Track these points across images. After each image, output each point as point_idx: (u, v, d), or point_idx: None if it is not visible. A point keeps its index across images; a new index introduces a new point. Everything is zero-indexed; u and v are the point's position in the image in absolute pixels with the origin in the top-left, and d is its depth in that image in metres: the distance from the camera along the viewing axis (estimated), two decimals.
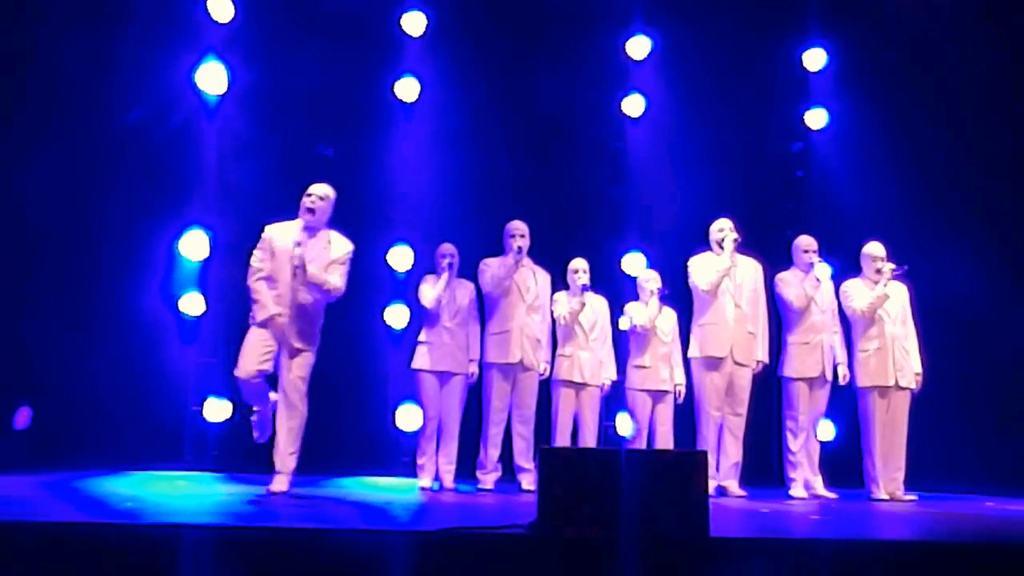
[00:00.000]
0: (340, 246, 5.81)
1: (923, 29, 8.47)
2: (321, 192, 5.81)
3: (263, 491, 5.58)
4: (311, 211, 5.74)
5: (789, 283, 6.99)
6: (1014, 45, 8.20)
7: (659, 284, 6.93)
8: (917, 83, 8.54)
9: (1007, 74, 8.26)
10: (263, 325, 5.62)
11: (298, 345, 5.64)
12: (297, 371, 5.63)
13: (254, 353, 5.59)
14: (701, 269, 6.86)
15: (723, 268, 6.76)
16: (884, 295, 6.84)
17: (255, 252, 5.79)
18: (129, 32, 7.54)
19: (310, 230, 5.77)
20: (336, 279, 5.71)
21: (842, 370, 7.02)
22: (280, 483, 5.58)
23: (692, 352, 6.93)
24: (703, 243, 7.05)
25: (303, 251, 5.59)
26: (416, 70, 8.19)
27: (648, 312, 6.87)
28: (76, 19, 7.31)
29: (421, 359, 6.65)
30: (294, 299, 5.62)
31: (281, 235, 5.75)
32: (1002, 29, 8.22)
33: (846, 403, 7.28)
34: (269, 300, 5.64)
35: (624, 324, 7.02)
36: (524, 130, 8.37)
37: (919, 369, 6.97)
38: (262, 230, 5.88)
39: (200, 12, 7.73)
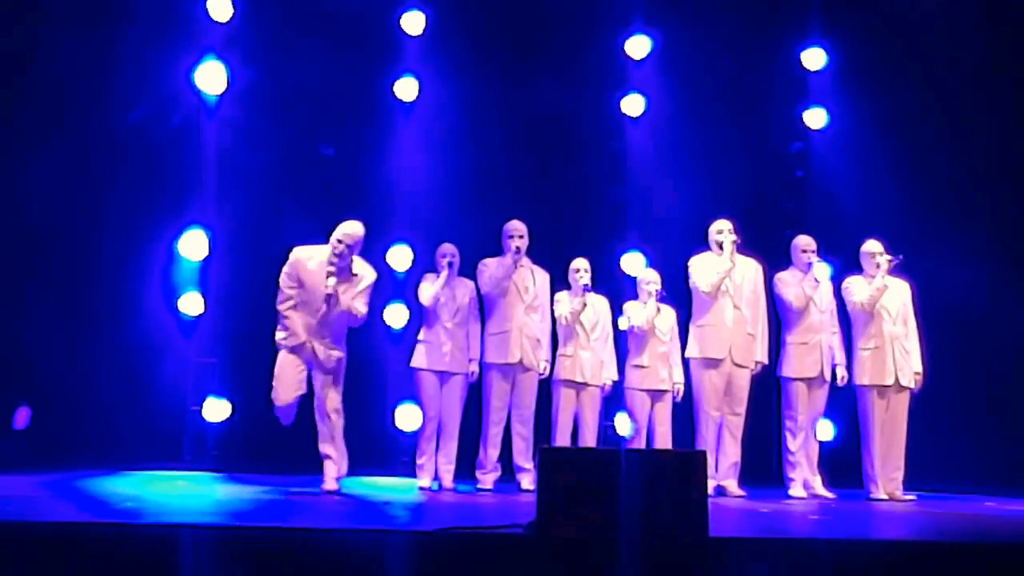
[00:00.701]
0: (366, 276, 6.00)
1: (922, 29, 8.48)
2: (350, 239, 5.89)
3: (314, 490, 5.82)
4: (339, 256, 5.85)
5: (788, 283, 6.98)
6: (1013, 44, 8.20)
7: (659, 285, 6.92)
8: (917, 83, 8.53)
9: (1007, 74, 8.26)
10: (294, 351, 5.83)
11: (329, 369, 5.91)
12: (332, 390, 5.91)
13: (290, 381, 5.83)
14: (701, 270, 6.86)
15: (723, 270, 6.76)
16: (883, 287, 6.83)
17: (283, 276, 5.95)
18: (128, 32, 7.54)
19: (337, 267, 5.90)
20: (362, 307, 5.94)
21: (840, 371, 7.01)
22: (332, 482, 5.88)
23: (691, 352, 6.92)
24: (702, 243, 7.05)
25: (335, 284, 5.79)
26: (415, 69, 8.19)
27: (646, 313, 6.87)
28: (75, 19, 7.31)
29: (420, 358, 6.65)
30: (323, 327, 5.87)
31: (310, 262, 5.91)
32: (1001, 28, 8.22)
33: (845, 403, 7.28)
34: (300, 327, 5.85)
35: (623, 324, 7.02)
36: (523, 129, 8.36)
37: (919, 368, 6.96)
38: (288, 251, 6.04)
39: (199, 11, 7.73)
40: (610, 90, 8.61)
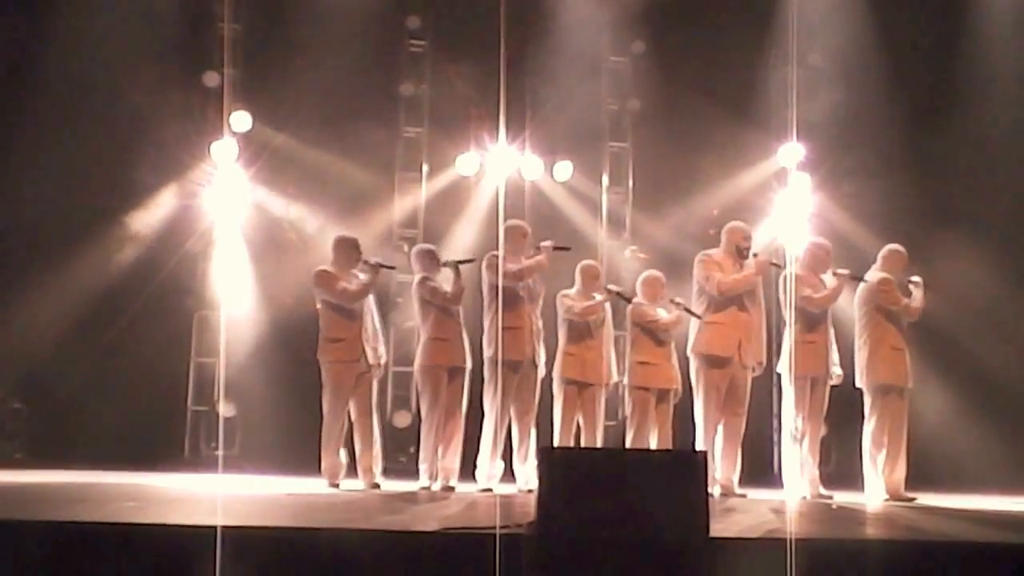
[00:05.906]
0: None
1: (921, 28, 8.49)
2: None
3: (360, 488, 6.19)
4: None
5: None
6: (1014, 43, 8.23)
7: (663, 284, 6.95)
8: (916, 81, 8.54)
9: (1007, 72, 8.28)
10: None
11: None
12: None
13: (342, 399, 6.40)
14: (715, 270, 6.70)
15: (743, 276, 6.61)
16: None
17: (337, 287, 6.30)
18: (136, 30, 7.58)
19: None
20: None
21: (836, 369, 6.94)
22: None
23: (697, 348, 6.75)
24: (701, 243, 7.03)
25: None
26: (414, 69, 8.22)
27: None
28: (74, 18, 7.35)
29: (418, 356, 6.63)
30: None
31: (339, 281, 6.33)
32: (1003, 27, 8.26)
33: (846, 402, 7.25)
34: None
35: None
36: (521, 129, 8.39)
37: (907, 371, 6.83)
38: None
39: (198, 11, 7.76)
40: (606, 89, 8.66)
